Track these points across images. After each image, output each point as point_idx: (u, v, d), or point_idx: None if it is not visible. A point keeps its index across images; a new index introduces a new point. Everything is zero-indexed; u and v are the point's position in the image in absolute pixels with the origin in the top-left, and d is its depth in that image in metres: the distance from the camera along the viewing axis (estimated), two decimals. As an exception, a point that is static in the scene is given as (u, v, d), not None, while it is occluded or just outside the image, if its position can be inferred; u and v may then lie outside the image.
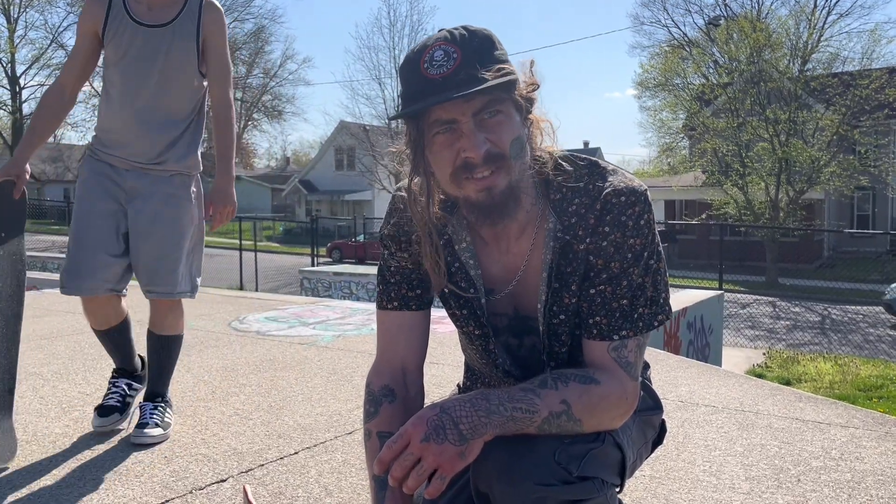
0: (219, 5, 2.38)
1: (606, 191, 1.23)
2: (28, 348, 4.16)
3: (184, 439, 2.52)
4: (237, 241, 19.16)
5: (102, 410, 2.51)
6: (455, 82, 1.14)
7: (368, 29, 56.92)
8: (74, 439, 2.52)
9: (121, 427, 2.57)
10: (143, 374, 2.66)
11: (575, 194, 1.25)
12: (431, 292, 1.39)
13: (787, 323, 14.85)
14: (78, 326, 4.88)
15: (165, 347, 2.52)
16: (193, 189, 2.47)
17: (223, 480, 2.22)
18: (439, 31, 1.21)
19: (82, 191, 2.42)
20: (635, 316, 1.23)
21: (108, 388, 2.61)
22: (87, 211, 2.37)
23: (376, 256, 22.29)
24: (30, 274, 9.67)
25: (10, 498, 2.07)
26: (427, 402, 1.28)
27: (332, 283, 10.33)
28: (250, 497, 1.46)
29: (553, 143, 1.28)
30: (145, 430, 2.41)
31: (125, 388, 2.60)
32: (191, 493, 2.13)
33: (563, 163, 1.27)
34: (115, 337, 2.57)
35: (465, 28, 1.19)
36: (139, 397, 2.64)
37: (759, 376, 8.76)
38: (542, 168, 1.25)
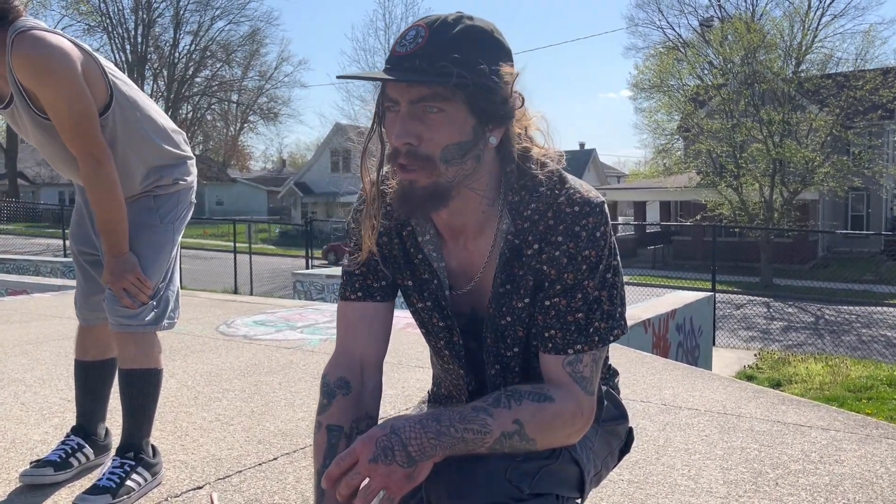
0: (24, 44, 1.90)
1: (560, 199, 1.22)
2: (13, 354, 4.15)
3: (163, 446, 2.50)
4: (231, 244, 19.14)
5: (37, 461, 2.23)
6: (405, 65, 1.14)
7: (364, 31, 57.00)
8: (53, 446, 2.50)
9: (54, 481, 2.19)
10: (106, 444, 2.38)
11: (532, 199, 1.23)
12: (396, 284, 1.38)
13: (782, 324, 14.86)
14: (64, 331, 4.86)
15: (131, 384, 2.16)
16: (163, 208, 2.22)
17: (199, 487, 2.21)
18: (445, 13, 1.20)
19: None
20: (591, 330, 1.21)
21: (59, 444, 2.31)
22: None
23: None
24: (22, 278, 9.66)
25: (-16, 506, 2.06)
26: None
27: (325, 285, 10.30)
28: (217, 505, 1.46)
29: (548, 145, 1.26)
30: (89, 498, 1.99)
31: (75, 445, 2.28)
32: (166, 500, 2.12)
33: (531, 166, 1.25)
34: (92, 373, 2.33)
35: (458, 16, 1.17)
36: (100, 465, 2.33)
37: (750, 377, 8.77)
38: (509, 168, 1.24)
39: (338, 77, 1.25)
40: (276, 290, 17.19)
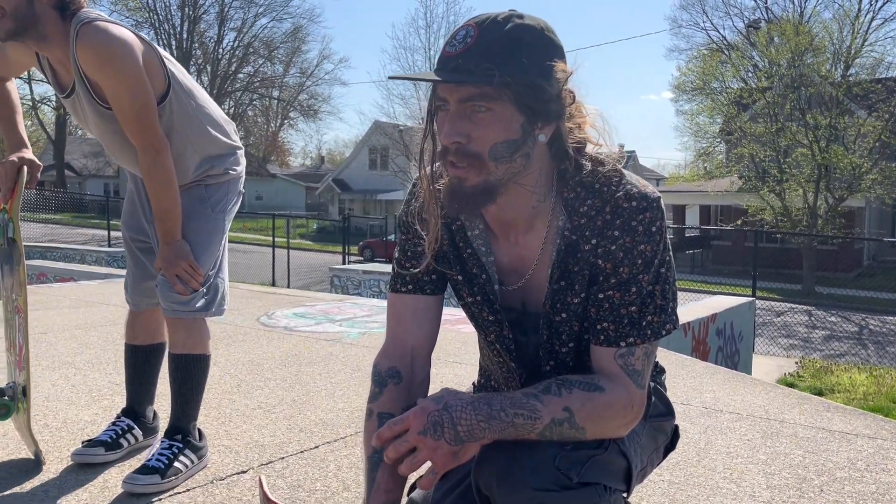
0: (89, 35, 1.95)
1: (618, 194, 1.22)
2: (62, 338, 4.27)
3: (208, 430, 2.55)
4: (270, 238, 19.39)
5: (88, 441, 2.29)
6: (452, 65, 1.15)
7: (405, 29, 57.20)
8: (103, 427, 2.57)
9: (105, 461, 2.25)
10: (154, 427, 2.45)
11: (588, 195, 1.24)
12: (446, 277, 1.40)
13: (824, 333, 14.54)
14: (111, 317, 4.99)
15: (180, 368, 2.22)
16: (213, 197, 2.27)
17: (244, 472, 2.26)
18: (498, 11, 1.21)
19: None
20: (643, 323, 1.22)
21: (109, 425, 2.38)
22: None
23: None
24: (69, 266, 9.91)
25: (38, 482, 2.13)
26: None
27: (362, 281, 10.39)
28: (265, 488, 1.48)
29: (603, 141, 1.25)
30: (139, 478, 2.05)
31: (124, 426, 2.35)
32: (212, 482, 2.17)
33: (586, 162, 1.26)
34: (142, 357, 2.40)
35: (508, 15, 1.18)
36: (149, 446, 2.39)
37: (791, 385, 8.60)
38: (562, 165, 1.25)
39: (389, 77, 1.28)
40: (313, 284, 17.37)
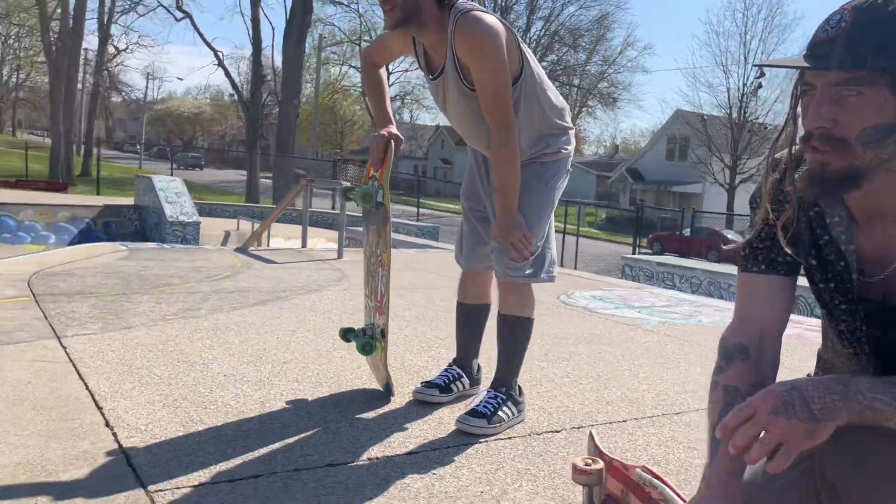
0: (468, 24, 2.20)
1: None
2: (392, 296, 4.86)
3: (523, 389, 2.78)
4: (562, 225, 19.81)
5: (426, 383, 2.64)
6: (819, 50, 1.13)
7: (719, 13, 53.97)
8: (434, 373, 2.93)
9: (439, 401, 2.59)
10: (477, 378, 2.72)
11: None
12: (801, 258, 1.39)
13: None
14: (430, 282, 5.56)
15: (508, 328, 2.46)
16: (547, 174, 2.46)
17: (557, 431, 2.43)
18: None
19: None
20: None
21: (441, 371, 2.72)
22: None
23: (701, 253, 21.36)
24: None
25: (386, 409, 2.52)
26: None
27: (655, 272, 10.20)
28: (597, 442, 1.61)
29: None
30: (469, 419, 2.34)
31: (455, 374, 2.66)
32: (529, 435, 2.37)
33: None
34: (471, 315, 2.69)
35: None
36: (472, 395, 2.65)
37: None
38: None
39: (753, 65, 1.32)
40: (600, 272, 17.40)
